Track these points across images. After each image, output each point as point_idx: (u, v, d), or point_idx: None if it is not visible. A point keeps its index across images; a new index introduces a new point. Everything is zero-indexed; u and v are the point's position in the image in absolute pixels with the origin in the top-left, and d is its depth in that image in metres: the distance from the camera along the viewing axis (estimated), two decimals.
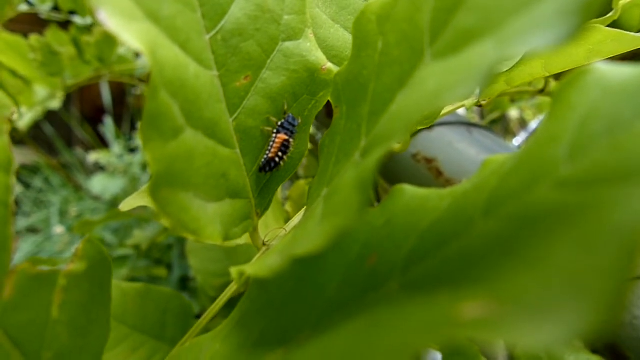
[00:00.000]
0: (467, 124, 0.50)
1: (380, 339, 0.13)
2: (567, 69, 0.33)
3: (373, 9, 0.22)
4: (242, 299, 0.22)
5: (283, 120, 0.25)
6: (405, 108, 0.16)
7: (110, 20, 0.14)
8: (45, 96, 0.73)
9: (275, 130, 0.25)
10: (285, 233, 0.27)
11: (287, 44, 0.24)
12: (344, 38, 0.31)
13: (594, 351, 0.42)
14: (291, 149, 0.25)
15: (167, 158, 0.17)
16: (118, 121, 1.79)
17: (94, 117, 1.83)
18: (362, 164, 0.16)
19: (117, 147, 1.56)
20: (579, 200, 0.12)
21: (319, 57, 0.26)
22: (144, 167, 1.41)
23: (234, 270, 0.18)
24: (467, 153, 0.48)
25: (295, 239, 0.18)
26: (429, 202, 0.19)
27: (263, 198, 0.26)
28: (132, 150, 1.62)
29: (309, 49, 0.25)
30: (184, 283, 0.92)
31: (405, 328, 0.12)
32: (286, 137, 0.25)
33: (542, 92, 0.52)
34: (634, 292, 0.39)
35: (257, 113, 0.24)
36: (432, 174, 0.48)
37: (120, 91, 1.82)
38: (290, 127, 0.25)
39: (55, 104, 0.73)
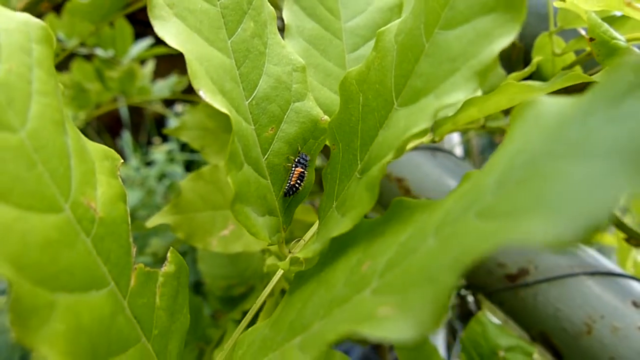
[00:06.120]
0: (433, 149, 0.58)
1: (333, 329, 0.16)
2: (496, 111, 0.42)
3: (353, 75, 0.31)
4: (285, 296, 0.28)
5: (298, 157, 0.33)
6: (388, 138, 0.24)
7: (205, 95, 0.22)
8: (71, 116, 0.79)
9: (293, 165, 0.33)
10: (305, 242, 0.35)
11: (297, 104, 0.33)
12: (330, 98, 0.40)
13: (532, 338, 0.50)
14: (305, 178, 0.33)
15: (238, 182, 0.24)
16: (136, 131, 1.74)
17: (113, 127, 1.79)
18: (367, 175, 0.24)
19: (134, 161, 1.59)
20: (489, 229, 0.12)
21: (318, 111, 0.34)
22: (160, 179, 1.46)
23: (283, 264, 0.25)
24: (431, 173, 0.56)
25: (325, 232, 0.26)
26: (414, 216, 0.20)
27: (287, 216, 0.33)
28: (149, 163, 1.65)
29: (311, 106, 0.34)
30: (198, 287, 0.95)
31: (346, 320, 0.15)
32: (302, 170, 0.33)
33: (483, 127, 0.63)
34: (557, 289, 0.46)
35: (280, 154, 0.32)
36: (401, 191, 0.56)
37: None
38: (304, 162, 0.33)
39: (78, 122, 0.79)
